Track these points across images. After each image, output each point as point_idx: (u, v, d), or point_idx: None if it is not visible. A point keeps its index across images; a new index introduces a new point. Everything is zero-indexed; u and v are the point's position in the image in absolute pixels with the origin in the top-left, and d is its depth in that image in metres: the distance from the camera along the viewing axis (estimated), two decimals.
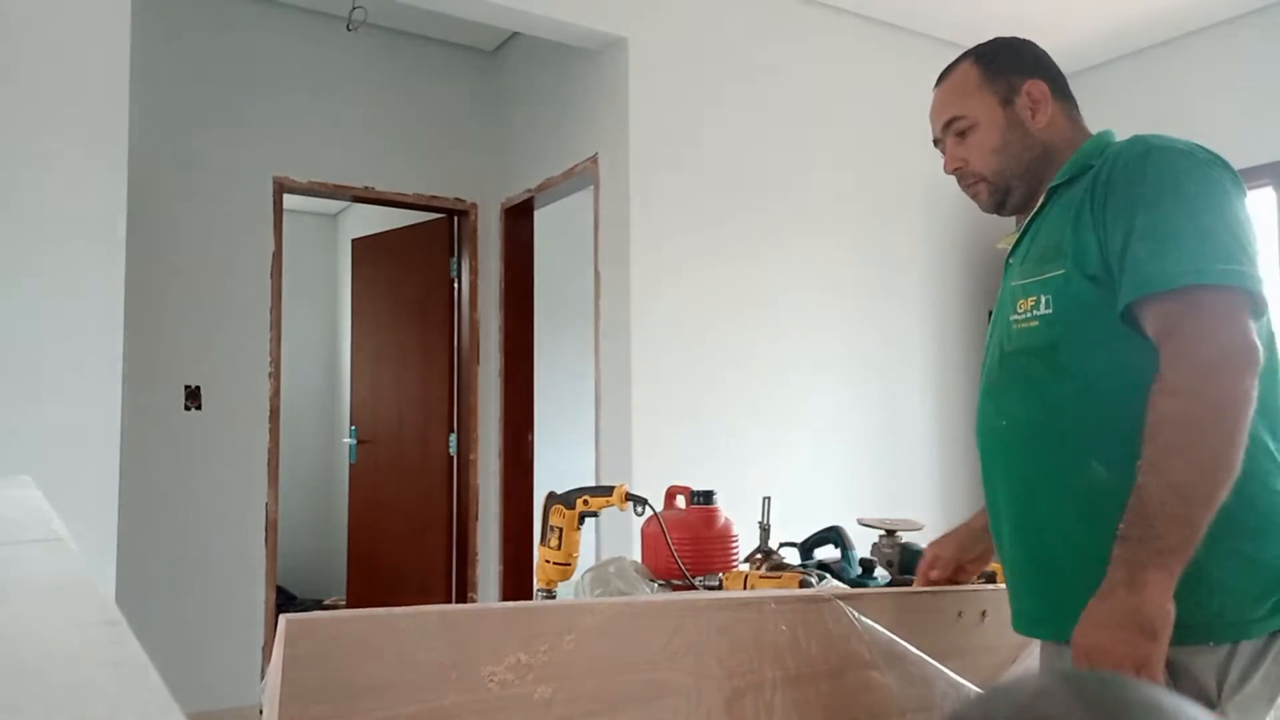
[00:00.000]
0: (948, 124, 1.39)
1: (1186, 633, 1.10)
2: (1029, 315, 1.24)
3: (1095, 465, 1.16)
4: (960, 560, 1.52)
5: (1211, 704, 1.10)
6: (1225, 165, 1.18)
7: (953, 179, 1.44)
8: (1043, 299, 1.21)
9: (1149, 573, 1.04)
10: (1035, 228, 1.31)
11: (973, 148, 1.36)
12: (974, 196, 1.41)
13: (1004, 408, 1.29)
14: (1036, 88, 1.34)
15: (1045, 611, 1.25)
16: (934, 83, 1.45)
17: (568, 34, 3.60)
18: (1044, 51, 1.41)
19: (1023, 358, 1.25)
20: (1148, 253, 1.11)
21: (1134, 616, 1.04)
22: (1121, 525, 1.08)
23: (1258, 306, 1.11)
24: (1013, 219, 1.46)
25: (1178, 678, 1.11)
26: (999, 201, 1.38)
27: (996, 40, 1.42)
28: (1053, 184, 1.29)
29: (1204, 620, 1.10)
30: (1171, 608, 1.04)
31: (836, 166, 4.01)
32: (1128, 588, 1.05)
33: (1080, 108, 1.40)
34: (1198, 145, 1.19)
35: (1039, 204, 1.32)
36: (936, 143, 1.45)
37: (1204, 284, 1.08)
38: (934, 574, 1.53)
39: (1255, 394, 1.07)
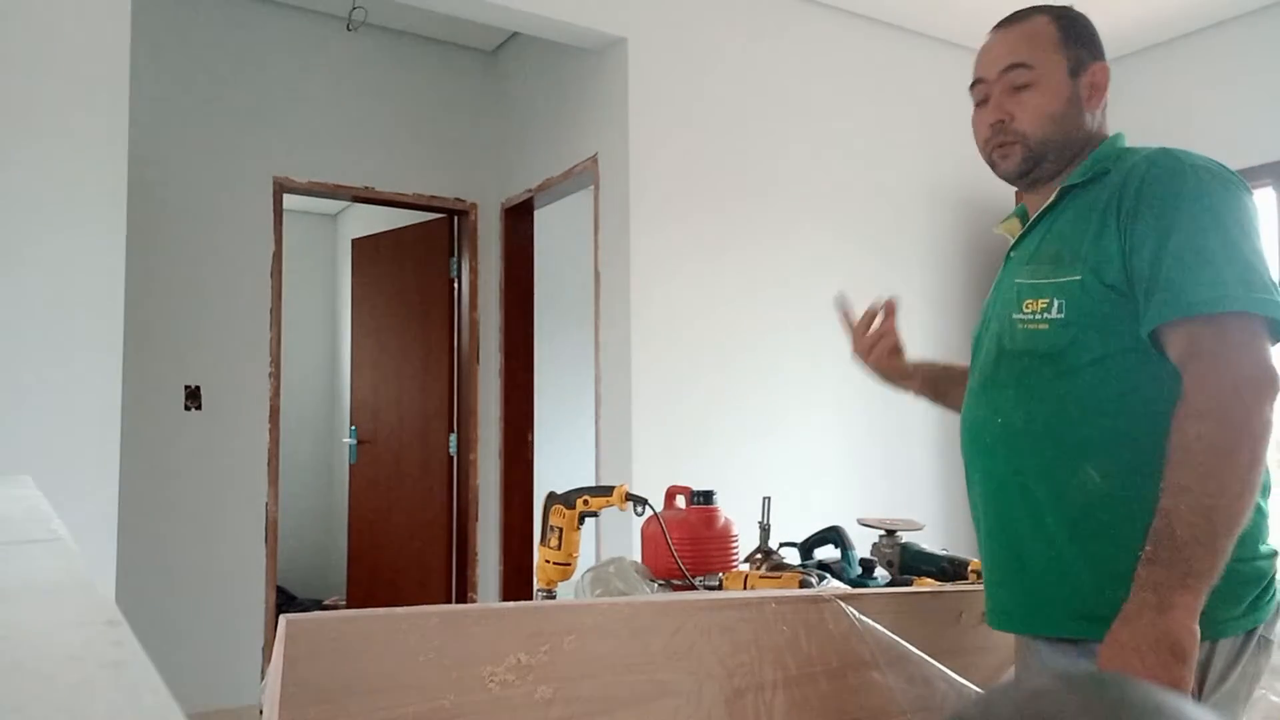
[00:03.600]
0: (1008, 68, 1.29)
1: None
2: (1038, 316, 1.22)
3: (1090, 472, 1.17)
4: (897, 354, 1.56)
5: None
6: (1247, 186, 1.19)
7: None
8: (1056, 303, 1.20)
9: (1177, 595, 1.04)
10: (1046, 225, 1.28)
11: (1026, 105, 1.28)
12: (1001, 157, 1.32)
13: (1000, 406, 1.27)
14: (1103, 72, 1.30)
15: (1018, 606, 1.26)
16: (997, 24, 1.35)
17: (568, 34, 3.60)
18: None
19: (1026, 358, 1.24)
20: (1178, 275, 1.11)
21: (1164, 640, 1.03)
22: (1147, 548, 1.07)
23: (1275, 333, 1.12)
24: (1007, 210, 1.45)
25: None
26: (1027, 169, 1.30)
27: (1075, 10, 1.33)
28: (1067, 183, 1.27)
29: None
30: (1198, 630, 1.04)
31: (837, 166, 4.01)
32: (1156, 611, 1.04)
33: None
34: (1220, 164, 1.19)
35: (1051, 200, 1.29)
36: (975, 86, 1.35)
37: (1235, 311, 1.09)
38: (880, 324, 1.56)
39: (1273, 420, 1.08)
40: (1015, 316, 1.25)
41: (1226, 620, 1.12)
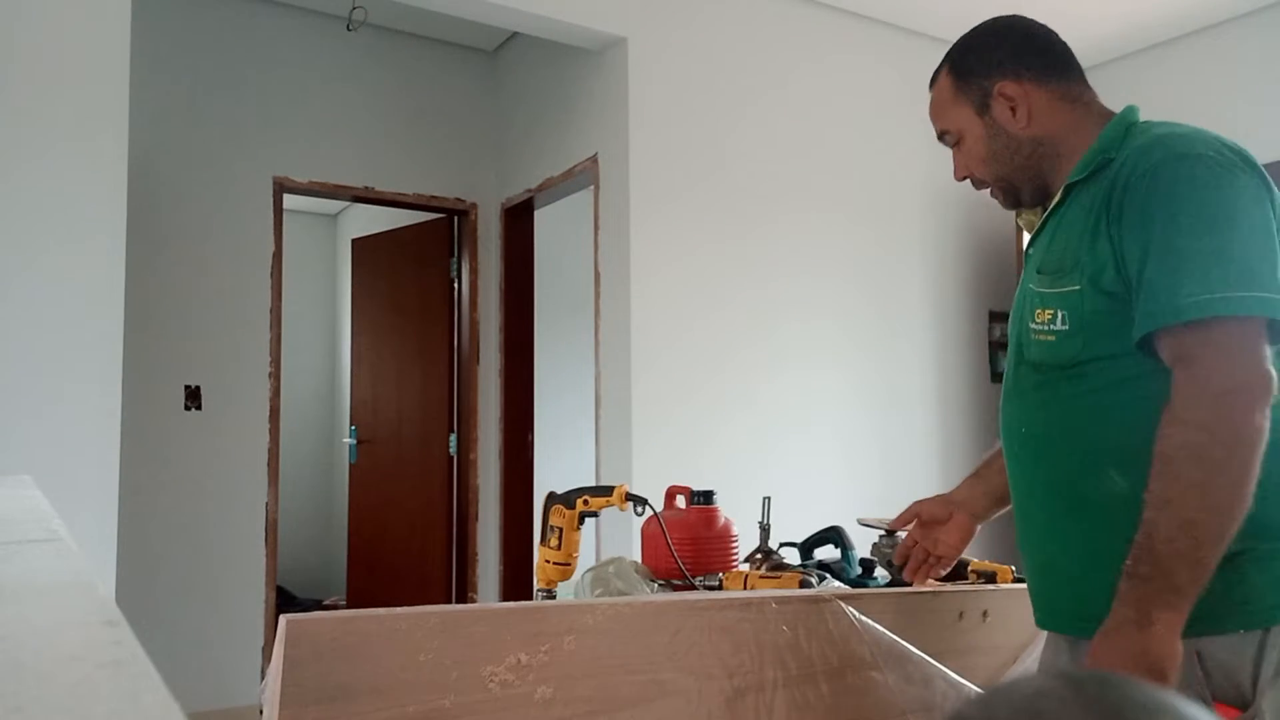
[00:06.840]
0: (940, 136, 1.38)
1: (1213, 622, 1.06)
2: (1046, 328, 1.20)
3: (1113, 474, 1.14)
4: (947, 520, 1.52)
5: (1245, 695, 1.06)
6: (1250, 167, 1.11)
7: (950, 176, 1.42)
8: (1060, 314, 1.18)
9: (1158, 611, 1.01)
10: (1054, 224, 1.25)
11: (968, 157, 1.33)
12: (993, 196, 1.37)
13: (1023, 414, 1.27)
14: (1008, 87, 1.27)
15: (1045, 605, 1.26)
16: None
17: (568, 34, 3.60)
18: (1026, 33, 1.32)
19: (1041, 369, 1.23)
20: (1162, 279, 1.07)
21: (1142, 658, 1.01)
22: (1128, 561, 1.05)
23: (1275, 331, 1.07)
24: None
25: (1208, 669, 1.07)
26: (1013, 200, 1.34)
27: (970, 35, 1.34)
28: (1070, 179, 1.23)
29: (1229, 609, 1.07)
30: (1180, 647, 1.01)
31: (836, 165, 4.01)
32: (1136, 626, 1.01)
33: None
34: (1223, 144, 1.13)
35: (1057, 199, 1.26)
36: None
37: (1219, 315, 1.04)
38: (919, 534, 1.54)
39: (1268, 427, 1.03)
40: (1030, 325, 1.24)
41: (1278, 606, 1.07)
